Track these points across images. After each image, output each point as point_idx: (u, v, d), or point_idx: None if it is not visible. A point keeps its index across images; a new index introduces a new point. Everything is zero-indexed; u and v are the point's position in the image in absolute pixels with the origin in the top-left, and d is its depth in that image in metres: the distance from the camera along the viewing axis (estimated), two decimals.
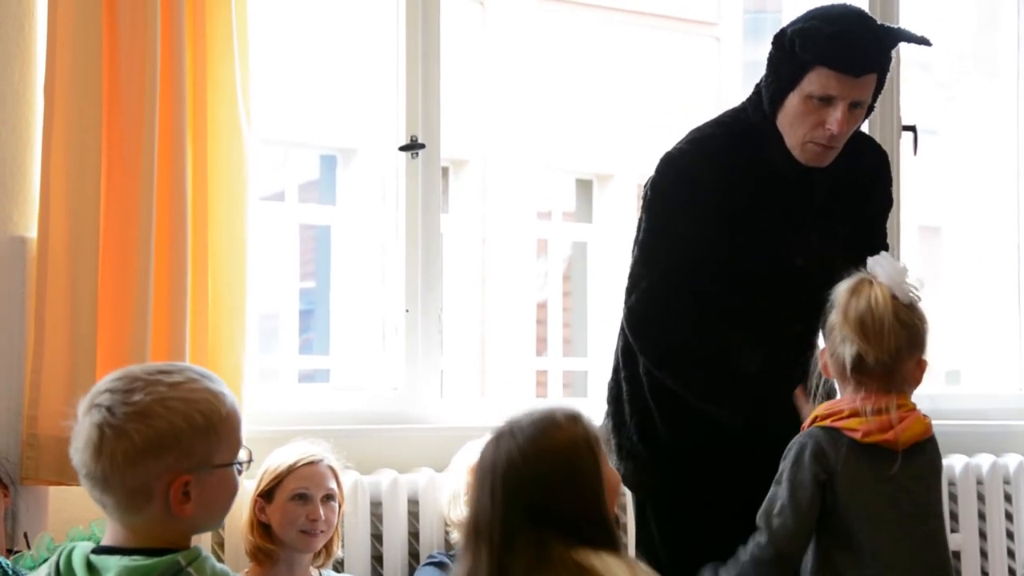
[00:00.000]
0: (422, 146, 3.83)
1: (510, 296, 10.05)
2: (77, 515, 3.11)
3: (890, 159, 3.58)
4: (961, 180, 5.21)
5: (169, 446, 2.03)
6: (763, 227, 3.03)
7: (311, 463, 3.30)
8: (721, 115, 3.17)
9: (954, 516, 4.12)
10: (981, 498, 4.19)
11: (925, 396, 4.40)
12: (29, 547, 3.11)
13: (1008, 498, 4.24)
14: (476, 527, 2.32)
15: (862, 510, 2.71)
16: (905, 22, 4.41)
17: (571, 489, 2.31)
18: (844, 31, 2.91)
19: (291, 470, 3.28)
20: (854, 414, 2.72)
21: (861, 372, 2.72)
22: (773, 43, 3.03)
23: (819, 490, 2.71)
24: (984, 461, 4.21)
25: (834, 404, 2.78)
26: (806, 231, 3.08)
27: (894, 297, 2.69)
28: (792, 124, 3.00)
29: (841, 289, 2.76)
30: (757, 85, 3.12)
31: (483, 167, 10.01)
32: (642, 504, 3.21)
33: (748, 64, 10.45)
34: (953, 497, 4.13)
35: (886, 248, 3.28)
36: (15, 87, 3.30)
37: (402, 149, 3.83)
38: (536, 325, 10.29)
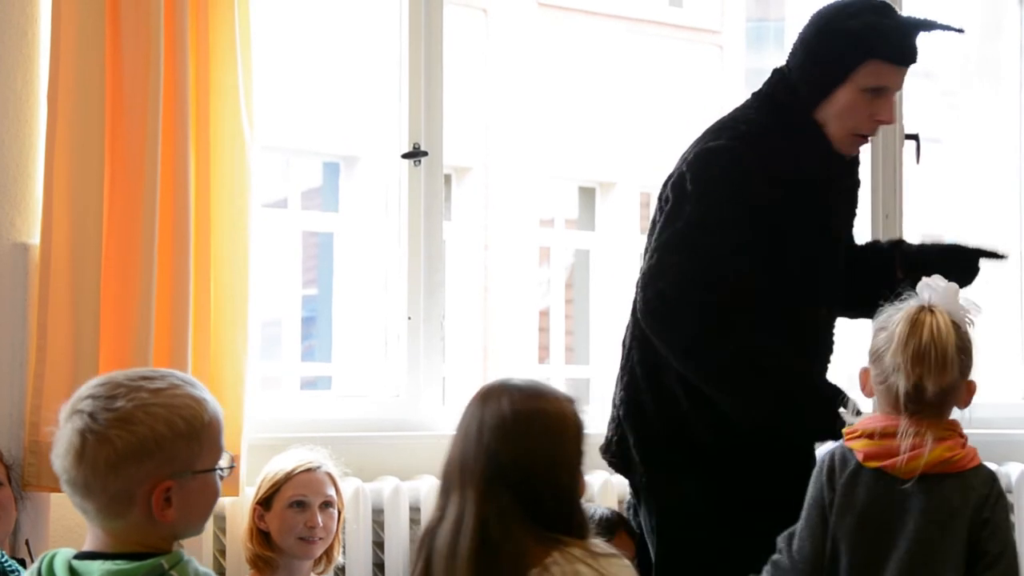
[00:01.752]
0: (425, 153, 3.83)
1: (512, 303, 10.04)
2: (79, 522, 3.09)
3: (893, 168, 3.60)
4: (965, 189, 5.20)
5: (151, 452, 2.03)
6: (799, 225, 3.02)
7: (309, 470, 3.30)
8: (747, 110, 3.13)
9: None
10: None
11: None
12: (31, 555, 3.11)
13: (1011, 507, 4.23)
14: (461, 471, 2.36)
15: (846, 537, 2.59)
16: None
17: (551, 456, 2.33)
18: (895, 23, 3.00)
19: (289, 477, 3.28)
20: (865, 434, 2.60)
21: (918, 403, 2.56)
22: (817, 37, 3.04)
23: (826, 510, 2.61)
24: None
25: (864, 420, 2.66)
26: (835, 223, 3.12)
27: (954, 324, 2.57)
28: (841, 116, 3.02)
29: (897, 317, 2.60)
30: (780, 75, 3.11)
31: (486, 174, 10.00)
32: (658, 518, 3.08)
33: (751, 72, 10.45)
34: None
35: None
36: (18, 93, 3.31)
37: (405, 156, 3.83)
38: (538, 333, 10.28)
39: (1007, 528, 2.55)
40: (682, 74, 10.74)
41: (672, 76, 10.65)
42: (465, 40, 9.44)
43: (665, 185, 3.08)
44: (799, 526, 2.66)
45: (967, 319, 2.61)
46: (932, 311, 2.57)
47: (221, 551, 3.39)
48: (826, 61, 3.02)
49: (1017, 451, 4.33)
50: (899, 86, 3.06)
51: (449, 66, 3.91)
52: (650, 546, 3.09)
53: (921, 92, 5.58)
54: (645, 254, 3.06)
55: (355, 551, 3.48)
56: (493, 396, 2.40)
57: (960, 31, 3.12)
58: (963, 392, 2.63)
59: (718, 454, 3.00)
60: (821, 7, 3.09)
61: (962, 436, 2.59)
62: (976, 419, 4.37)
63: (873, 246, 3.42)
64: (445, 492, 2.39)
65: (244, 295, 3.40)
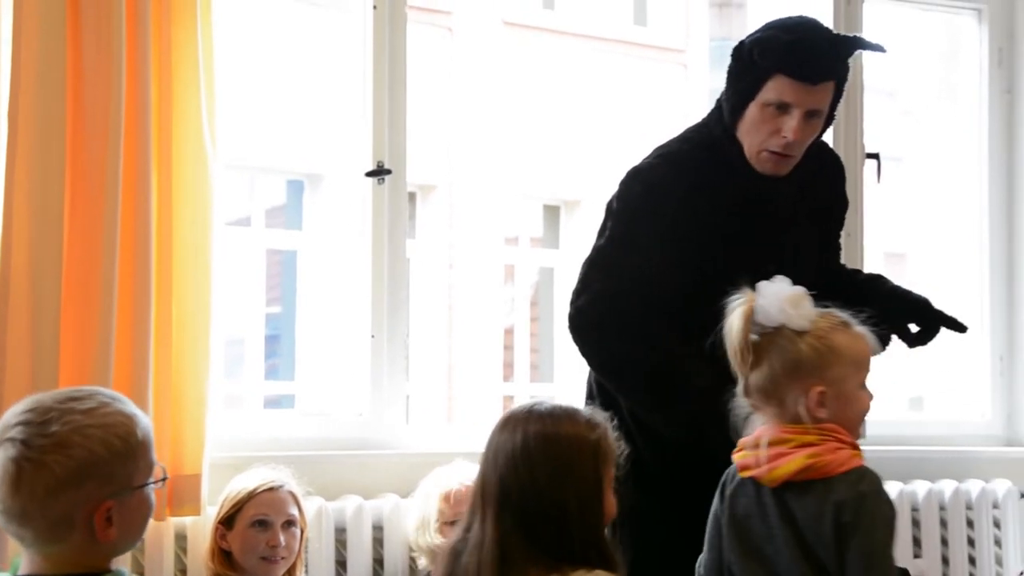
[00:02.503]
0: (388, 172, 3.83)
1: (477, 321, 10.04)
2: None
3: (854, 187, 3.59)
4: (926, 207, 5.24)
5: (90, 474, 2.02)
6: (732, 238, 3.05)
7: (271, 489, 3.29)
8: (685, 131, 3.21)
9: (917, 542, 4.14)
10: (944, 524, 4.20)
11: (888, 422, 4.46)
12: None
13: (971, 524, 4.25)
14: (482, 494, 2.38)
15: (731, 548, 2.58)
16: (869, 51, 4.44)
17: (558, 488, 2.32)
18: (801, 39, 2.99)
19: (251, 496, 3.27)
20: (746, 446, 2.56)
21: (748, 395, 2.55)
22: (732, 56, 3.09)
23: (720, 523, 2.61)
24: (947, 487, 4.22)
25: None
26: (776, 240, 3.12)
27: (755, 321, 2.51)
28: (750, 133, 3.05)
29: None
30: (718, 100, 3.17)
31: (450, 193, 10.01)
32: (613, 532, 3.17)
33: (715, 91, 10.41)
34: (916, 523, 4.14)
35: (838, 249, 3.38)
36: None
37: (368, 175, 3.83)
38: (503, 350, 10.28)
39: (872, 531, 2.44)
40: (646, 93, 10.77)
41: (636, 95, 10.68)
42: (430, 58, 9.45)
43: (610, 198, 3.16)
44: (705, 541, 2.66)
45: (795, 318, 2.50)
46: (735, 310, 2.54)
47: (183, 571, 3.37)
48: (738, 78, 3.07)
49: (977, 468, 4.37)
50: (809, 104, 3.00)
51: (413, 84, 3.91)
52: None
53: (882, 111, 5.62)
54: None
55: (318, 570, 3.47)
56: (511, 423, 2.41)
57: (882, 50, 3.11)
58: (799, 394, 2.49)
59: (658, 468, 3.05)
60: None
61: (842, 443, 2.49)
62: (937, 436, 4.45)
63: (851, 276, 3.42)
64: (472, 512, 2.42)
65: (206, 313, 3.39)
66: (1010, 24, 4.75)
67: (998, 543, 4.26)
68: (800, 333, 2.50)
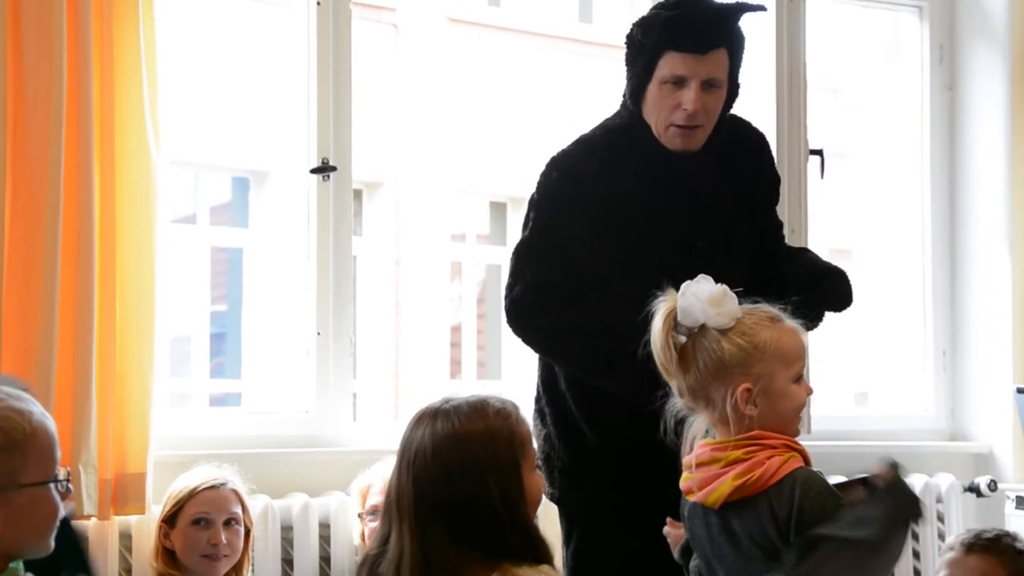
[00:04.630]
0: (333, 168, 3.82)
1: (424, 319, 10.02)
2: None
3: (799, 182, 3.60)
4: (870, 202, 5.27)
5: None
6: (651, 214, 3.09)
7: (213, 487, 3.28)
8: (603, 120, 3.28)
9: None
10: None
11: (833, 417, 4.49)
12: None
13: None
14: (397, 503, 2.32)
15: (697, 571, 2.57)
16: (812, 45, 4.47)
17: (476, 484, 2.28)
18: (682, 13, 3.05)
19: (192, 495, 3.26)
20: (686, 467, 2.51)
21: (681, 396, 2.52)
22: (625, 42, 3.16)
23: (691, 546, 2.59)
24: None
25: None
26: (700, 215, 3.12)
27: (679, 322, 2.48)
28: (653, 112, 3.11)
29: None
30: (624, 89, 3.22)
31: (397, 190, 9.98)
32: (570, 527, 3.19)
33: None
34: None
35: (776, 227, 3.35)
36: None
37: (313, 171, 3.82)
38: (450, 348, 10.27)
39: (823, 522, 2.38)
40: (592, 89, 10.78)
41: (582, 91, 10.69)
42: (375, 55, 9.42)
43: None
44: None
45: (721, 321, 2.47)
46: (657, 313, 2.51)
47: (127, 570, 3.35)
48: (633, 62, 3.14)
49: (921, 463, 4.40)
50: (703, 74, 3.05)
51: (358, 81, 3.91)
52: (563, 555, 3.13)
53: (825, 107, 5.65)
54: None
55: (264, 569, 3.46)
56: (422, 422, 2.36)
57: (763, 9, 3.15)
58: (726, 394, 2.45)
59: (604, 457, 3.08)
60: None
61: (773, 448, 2.44)
62: (882, 431, 4.48)
63: (786, 255, 3.39)
64: (386, 521, 2.37)
65: (150, 311, 3.37)
66: (950, 21, 4.79)
67: (942, 537, 4.28)
68: (724, 332, 2.47)
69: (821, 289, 3.17)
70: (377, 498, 3.51)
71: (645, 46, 3.08)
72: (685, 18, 3.04)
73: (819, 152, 4.40)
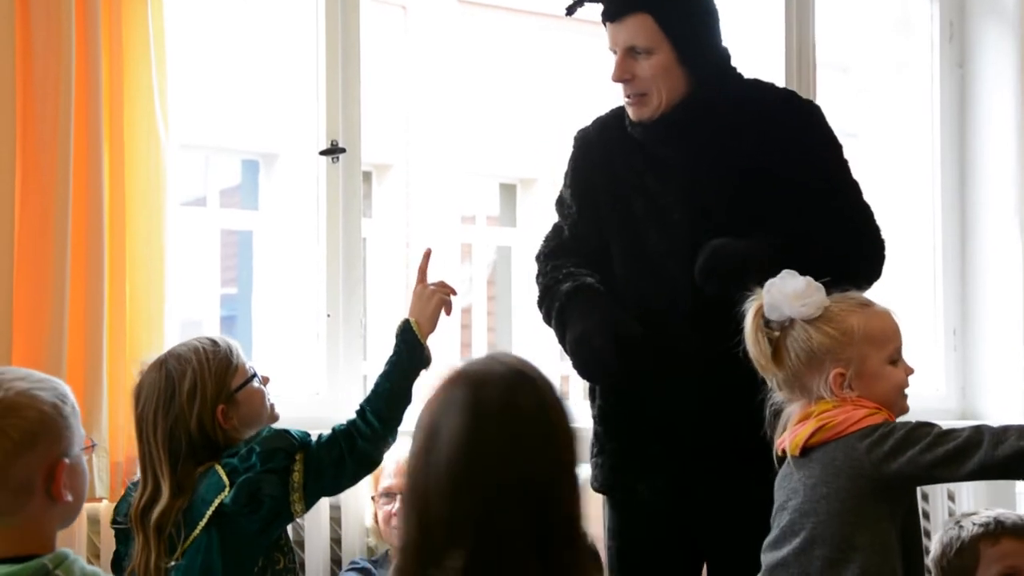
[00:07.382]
0: (343, 150, 3.81)
1: None
2: None
3: None
4: (880, 181, 5.26)
5: (43, 434, 2.04)
6: (640, 189, 3.11)
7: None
8: None
9: None
10: None
11: None
12: None
13: (925, 497, 4.29)
14: (436, 524, 1.86)
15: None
16: (821, 27, 4.46)
17: (549, 476, 1.86)
18: None
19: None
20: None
21: (780, 390, 2.67)
22: None
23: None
24: None
25: None
26: (667, 184, 3.09)
27: (768, 318, 2.62)
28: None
29: None
30: None
31: (406, 172, 9.98)
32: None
33: None
34: None
35: (808, 185, 3.07)
36: None
37: (322, 153, 3.82)
38: (460, 330, 10.27)
39: (908, 448, 2.49)
40: (603, 71, 10.76)
41: (594, 72, 10.67)
42: (384, 37, 9.41)
43: None
44: None
45: (809, 312, 2.60)
46: (747, 312, 2.66)
47: (96, 555, 3.33)
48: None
49: None
50: (623, 41, 3.08)
51: (367, 63, 3.90)
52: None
53: (835, 86, 5.63)
54: None
55: None
56: (454, 404, 1.87)
57: None
58: (820, 380, 2.60)
59: (603, 432, 3.15)
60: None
61: (857, 407, 2.56)
62: None
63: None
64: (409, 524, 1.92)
65: (160, 295, 3.37)
66: None
67: (952, 516, 4.28)
68: (812, 322, 2.60)
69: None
70: (390, 480, 3.51)
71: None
72: None
73: None
